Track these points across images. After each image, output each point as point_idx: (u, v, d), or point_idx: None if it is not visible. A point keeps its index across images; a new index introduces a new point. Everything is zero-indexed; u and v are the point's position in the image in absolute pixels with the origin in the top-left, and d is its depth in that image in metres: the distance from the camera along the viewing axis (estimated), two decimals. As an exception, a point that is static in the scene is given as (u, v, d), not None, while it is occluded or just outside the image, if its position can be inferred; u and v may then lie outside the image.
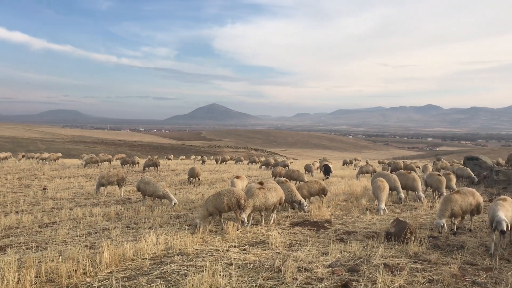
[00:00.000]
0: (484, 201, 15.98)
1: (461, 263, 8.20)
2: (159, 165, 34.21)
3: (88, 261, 7.60)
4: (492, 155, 64.58)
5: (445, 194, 15.30)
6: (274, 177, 24.19)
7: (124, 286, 6.72)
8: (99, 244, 9.32)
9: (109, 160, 38.71)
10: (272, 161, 39.44)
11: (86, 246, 9.38)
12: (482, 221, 12.32)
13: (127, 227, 11.83)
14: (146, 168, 33.61)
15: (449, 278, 7.14)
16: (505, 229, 8.50)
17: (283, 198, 12.40)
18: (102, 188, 18.96)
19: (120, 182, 18.91)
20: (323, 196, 15.59)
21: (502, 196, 9.77)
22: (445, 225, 10.69)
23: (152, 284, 6.75)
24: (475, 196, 11.14)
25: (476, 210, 11.14)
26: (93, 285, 6.70)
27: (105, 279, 7.05)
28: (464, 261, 8.34)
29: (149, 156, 49.23)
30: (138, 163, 36.99)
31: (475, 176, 21.99)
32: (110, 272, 7.43)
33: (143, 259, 8.21)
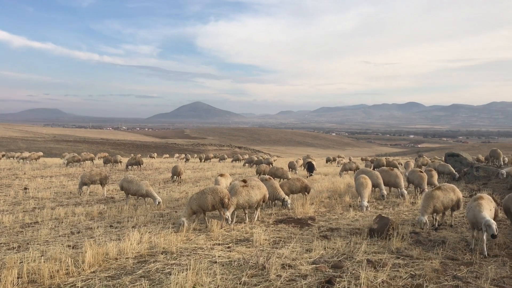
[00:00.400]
0: (464, 196, 16.32)
1: (443, 258, 8.34)
2: (142, 164, 34.01)
3: (71, 261, 7.53)
4: (472, 151, 65.71)
5: (426, 190, 15.53)
6: (258, 174, 24.24)
7: (107, 286, 6.68)
8: (82, 243, 9.24)
9: (91, 159, 38.31)
10: (255, 159, 39.50)
11: (69, 246, 9.29)
12: (463, 217, 12.54)
13: (110, 226, 11.74)
14: (129, 167, 33.38)
15: (431, 273, 7.27)
16: (496, 233, 8.44)
17: (267, 196, 12.45)
18: (84, 187, 18.75)
19: (103, 181, 18.72)
20: (306, 193, 15.63)
21: (478, 195, 9.79)
22: (427, 221, 10.86)
23: (136, 283, 6.72)
24: (456, 192, 11.37)
25: (456, 205, 11.37)
26: (76, 285, 6.64)
27: (88, 279, 7.00)
28: (445, 256, 8.48)
29: (132, 155, 48.82)
30: (120, 162, 36.70)
31: (456, 173, 22.36)
32: (93, 272, 7.38)
33: (126, 258, 8.17)
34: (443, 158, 32.50)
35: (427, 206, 10.86)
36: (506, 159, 27.75)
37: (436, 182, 17.60)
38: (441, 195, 11.02)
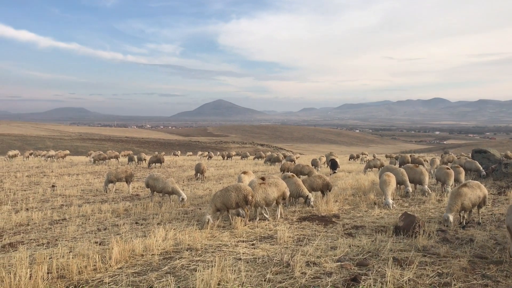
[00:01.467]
0: (492, 194, 15.97)
1: (471, 256, 8.16)
2: (163, 161, 34.35)
3: (98, 257, 7.67)
4: (500, 147, 64.16)
5: (450, 187, 15.24)
6: (282, 172, 24.19)
7: (134, 282, 6.77)
8: (108, 240, 9.40)
9: (116, 157, 38.90)
10: (275, 156, 39.36)
11: (96, 242, 9.45)
12: (491, 214, 12.26)
13: (136, 223, 11.90)
14: (151, 165, 33.77)
15: (459, 272, 7.13)
16: None
17: (287, 193, 12.37)
18: (110, 184, 19.07)
19: (128, 179, 19.01)
20: (328, 191, 15.37)
21: None
22: (453, 219, 10.64)
23: (162, 279, 6.80)
24: (482, 189, 11.14)
25: (483, 202, 11.13)
26: (104, 281, 6.75)
27: (115, 274, 7.11)
28: (473, 254, 8.30)
29: (157, 153, 49.41)
30: (145, 160, 37.15)
31: (482, 169, 21.86)
32: (120, 268, 7.49)
33: (152, 254, 8.27)
34: (470, 155, 31.80)
35: (453, 203, 10.65)
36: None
37: (463, 179, 17.25)
38: (469, 192, 10.79)
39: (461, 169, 17.97)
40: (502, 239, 9.37)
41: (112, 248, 7.96)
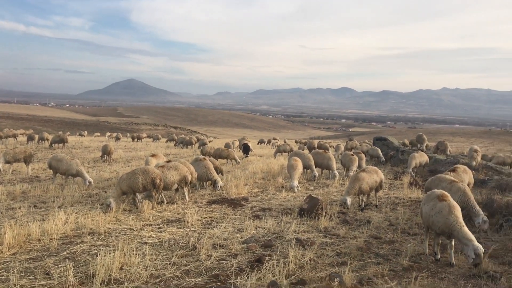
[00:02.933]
0: (390, 179, 17.22)
1: (367, 237, 8.76)
2: (67, 142, 32.48)
3: (-13, 243, 7.09)
4: (399, 136, 69.15)
5: (353, 172, 16.16)
6: (204, 155, 24.09)
7: (28, 268, 6.38)
8: (1, 224, 8.70)
9: (14, 136, 36.10)
10: (187, 139, 38.98)
11: (-14, 227, 8.72)
12: (388, 198, 13.21)
13: (35, 206, 11.14)
14: (54, 145, 31.79)
15: (355, 251, 7.62)
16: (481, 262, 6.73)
17: (188, 177, 12.13)
18: (7, 165, 17.65)
19: (27, 159, 17.71)
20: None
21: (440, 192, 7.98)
22: (350, 202, 11.32)
23: (60, 265, 6.48)
24: (379, 174, 12.04)
25: (380, 186, 12.01)
26: (-7, 269, 6.27)
27: (7, 261, 6.65)
28: (369, 235, 8.92)
29: (61, 132, 46.56)
30: (47, 139, 34.84)
31: (382, 156, 23.48)
32: (13, 254, 7.02)
33: (50, 239, 7.84)
34: (372, 142, 33.96)
35: (352, 187, 11.38)
36: (430, 146, 29.51)
37: (364, 164, 18.37)
38: (366, 177, 11.56)
39: (362, 155, 19.14)
40: (395, 221, 10.18)
41: (4, 233, 7.39)
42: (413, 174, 17.09)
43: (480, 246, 6.65)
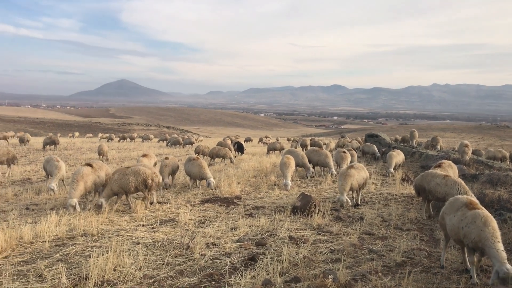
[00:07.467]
0: (382, 175, 17.29)
1: (360, 233, 8.79)
2: (58, 143, 32.31)
3: (-21, 247, 7.02)
4: (390, 132, 69.47)
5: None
6: (197, 154, 24.02)
7: (21, 271, 6.33)
8: (-8, 228, 8.63)
9: (5, 138, 35.78)
10: (176, 138, 39.22)
11: (-23, 231, 8.64)
12: (380, 194, 13.26)
13: (27, 208, 11.05)
14: (46, 147, 31.62)
15: (349, 248, 7.65)
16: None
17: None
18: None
19: (9, 161, 17.56)
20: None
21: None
22: (348, 200, 11.29)
23: (53, 267, 6.44)
24: (365, 171, 12.16)
25: (365, 183, 12.06)
26: (-15, 272, 6.21)
27: (-1, 264, 6.58)
28: (363, 231, 8.95)
29: (50, 134, 46.21)
30: (28, 141, 34.54)
31: (378, 152, 23.55)
32: (6, 257, 6.97)
33: (43, 241, 7.79)
34: (364, 138, 34.11)
35: (346, 184, 11.27)
36: (420, 141, 29.69)
37: (355, 161, 18.42)
38: (356, 173, 11.56)
39: (354, 152, 19.25)
40: (388, 217, 10.22)
41: (-4, 237, 7.32)
42: (393, 173, 17.02)
43: (506, 270, 5.59)
